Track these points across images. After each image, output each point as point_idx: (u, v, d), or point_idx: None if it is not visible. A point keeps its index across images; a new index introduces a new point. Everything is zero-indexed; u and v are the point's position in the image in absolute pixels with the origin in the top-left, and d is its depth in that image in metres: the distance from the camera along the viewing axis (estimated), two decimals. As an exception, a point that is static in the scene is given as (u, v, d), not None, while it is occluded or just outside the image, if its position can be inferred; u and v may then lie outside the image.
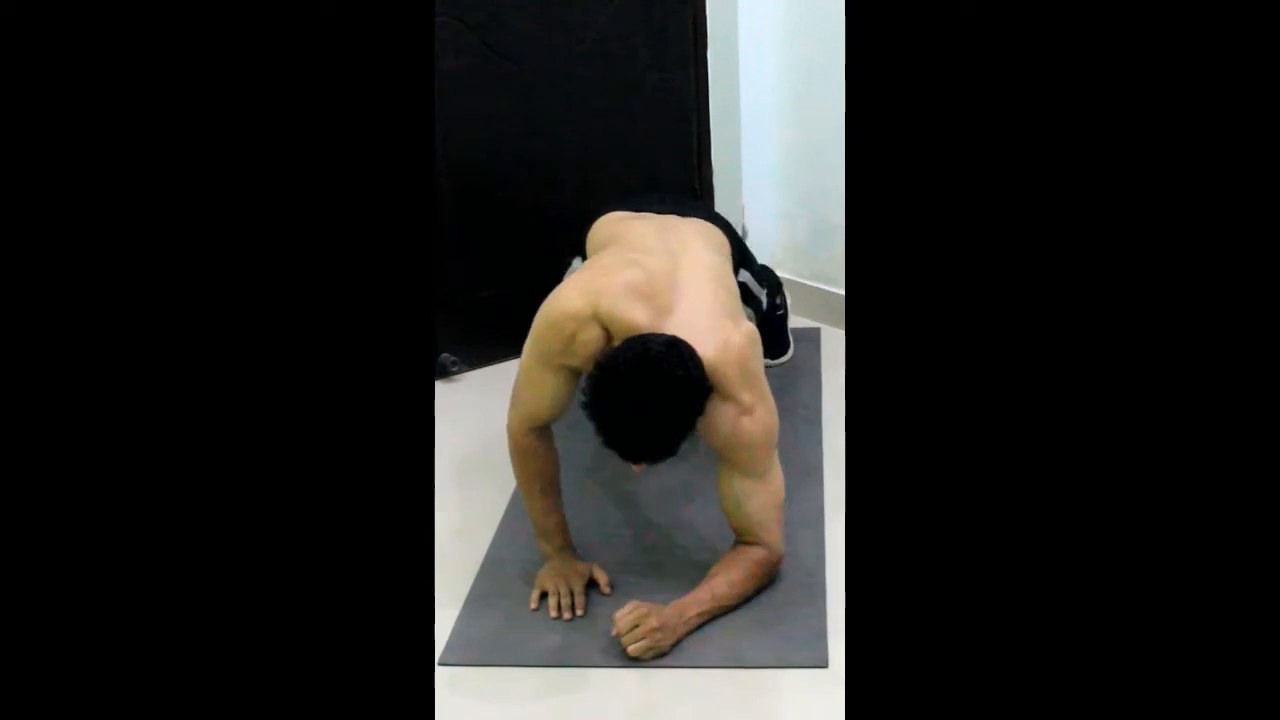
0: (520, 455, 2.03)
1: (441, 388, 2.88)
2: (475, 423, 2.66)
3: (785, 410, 2.63)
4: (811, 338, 3.00)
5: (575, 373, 1.91)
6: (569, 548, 2.07)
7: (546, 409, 1.97)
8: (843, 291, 2.92)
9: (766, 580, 1.99)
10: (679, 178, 3.13)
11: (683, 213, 2.30)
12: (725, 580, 1.94)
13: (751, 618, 1.95)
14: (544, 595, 2.01)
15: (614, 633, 1.85)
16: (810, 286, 3.10)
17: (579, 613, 1.97)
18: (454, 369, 2.93)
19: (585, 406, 1.75)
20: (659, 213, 2.28)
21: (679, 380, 1.72)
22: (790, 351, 2.90)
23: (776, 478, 1.96)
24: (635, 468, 1.89)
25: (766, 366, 2.83)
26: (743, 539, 1.98)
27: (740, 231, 3.16)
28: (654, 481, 2.39)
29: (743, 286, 2.43)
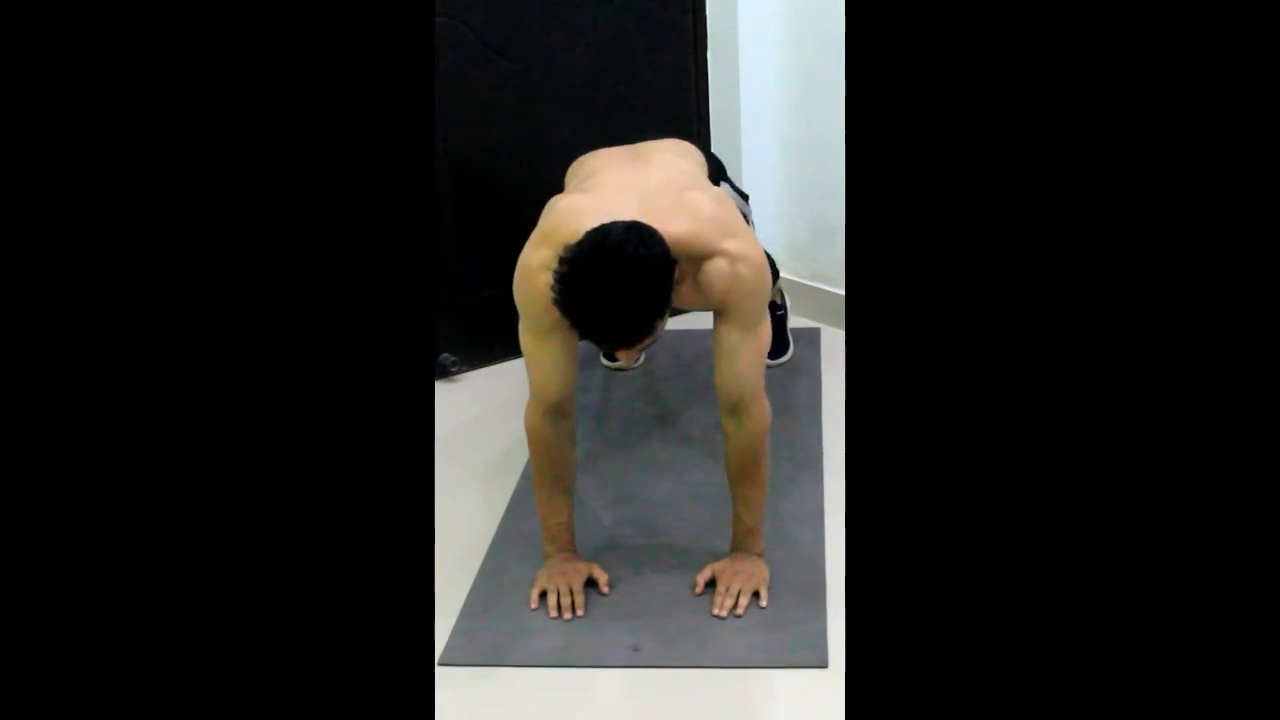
0: (535, 444, 2.03)
1: (441, 388, 2.88)
2: (475, 423, 2.66)
3: (785, 410, 2.64)
4: (811, 338, 3.00)
5: (570, 330, 1.91)
6: (571, 548, 2.07)
7: (554, 383, 1.97)
8: (843, 291, 2.92)
9: (765, 457, 2.02)
10: (679, 178, 3.13)
11: (654, 138, 2.34)
12: (744, 506, 2.02)
13: (752, 618, 1.95)
14: (543, 595, 2.02)
15: (715, 612, 1.96)
16: (810, 286, 3.10)
17: (579, 613, 1.98)
18: (454, 369, 2.93)
19: (556, 303, 1.76)
20: (629, 143, 2.32)
21: (640, 258, 1.73)
22: (790, 351, 2.90)
23: (766, 328, 1.98)
24: (624, 358, 1.91)
25: (766, 367, 2.84)
26: (729, 409, 1.97)
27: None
28: (656, 482, 2.40)
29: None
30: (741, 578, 2.01)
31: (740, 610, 1.96)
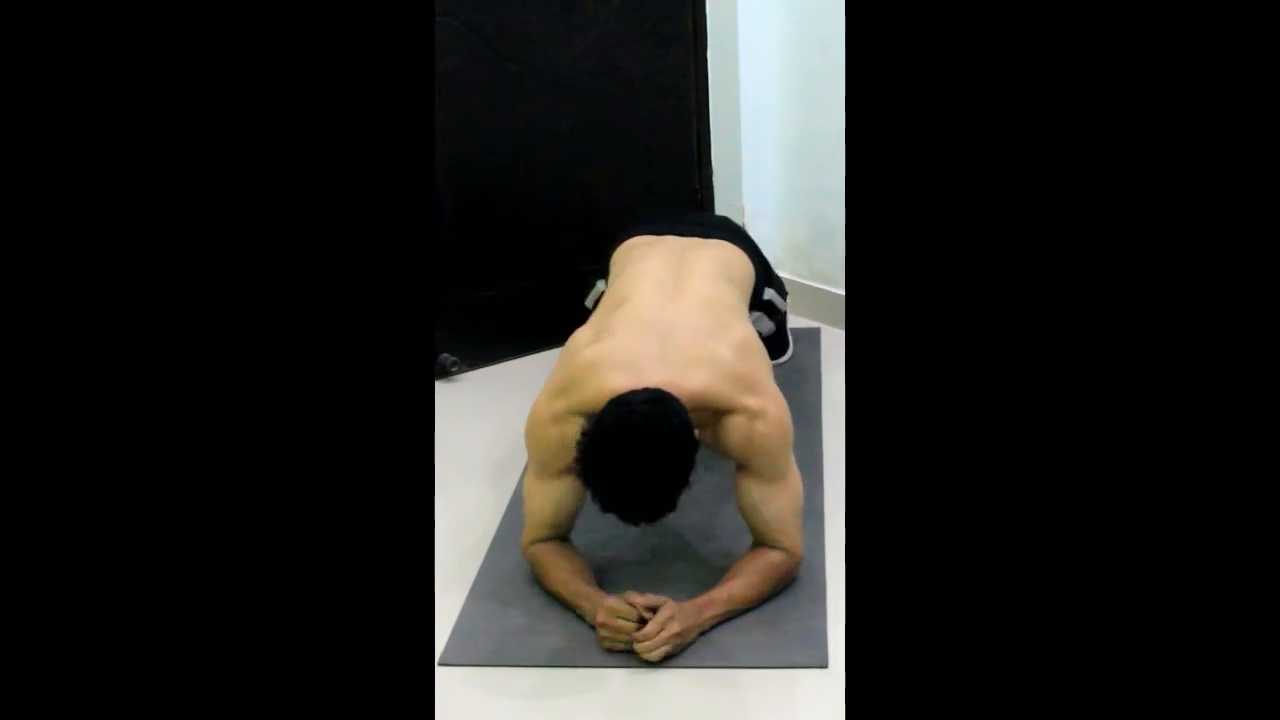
0: (537, 563, 2.03)
1: (441, 388, 2.88)
2: (475, 423, 2.66)
3: (785, 410, 2.65)
4: (811, 338, 3.00)
5: (579, 476, 1.85)
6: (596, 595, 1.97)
7: (555, 522, 1.99)
8: (843, 291, 2.91)
9: (784, 583, 1.99)
10: (679, 178, 3.13)
11: (706, 235, 2.31)
12: (744, 583, 1.94)
13: (752, 618, 1.95)
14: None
15: (636, 635, 1.83)
16: (810, 286, 3.10)
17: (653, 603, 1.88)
18: (454, 369, 2.93)
19: (578, 476, 1.76)
20: (682, 234, 2.29)
21: (665, 438, 1.73)
22: (790, 351, 2.90)
23: (794, 478, 1.96)
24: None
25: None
26: (761, 542, 1.98)
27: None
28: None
29: (768, 304, 2.44)
30: (676, 623, 1.84)
31: (647, 654, 1.83)
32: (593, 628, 1.91)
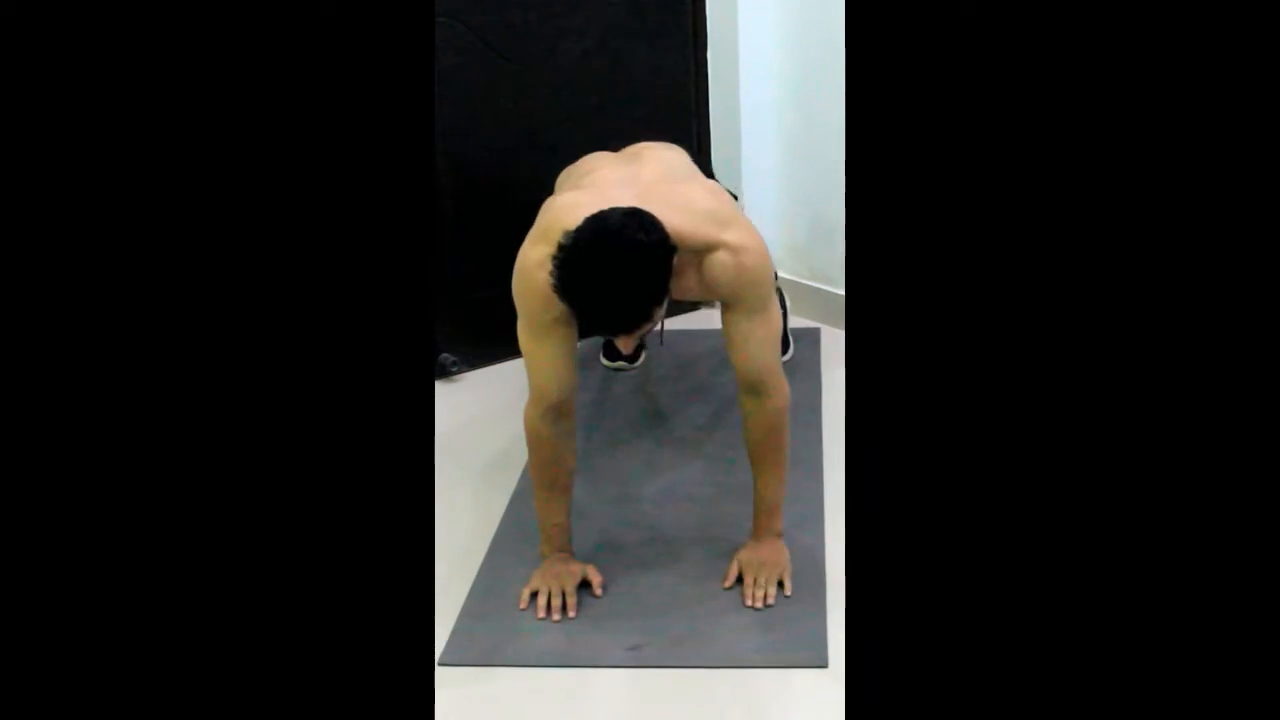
0: (534, 444, 2.04)
1: (441, 388, 2.88)
2: (475, 423, 2.66)
3: (785, 410, 2.65)
4: (811, 338, 3.00)
5: (569, 327, 1.91)
6: (567, 549, 2.07)
7: (554, 382, 1.97)
8: (843, 291, 2.91)
9: (787, 435, 2.03)
10: (679, 178, 3.13)
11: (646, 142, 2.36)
12: (769, 481, 2.03)
13: (752, 618, 1.95)
14: (534, 595, 2.02)
15: (748, 602, 1.97)
16: (810, 286, 3.10)
17: (570, 614, 1.98)
18: (454, 369, 2.93)
19: (554, 288, 1.75)
20: (615, 149, 2.33)
21: (640, 243, 1.73)
22: (790, 351, 2.90)
23: (775, 309, 1.99)
24: (622, 346, 1.90)
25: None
26: (749, 389, 1.99)
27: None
28: (654, 481, 2.40)
29: None
30: (767, 568, 2.03)
31: (771, 600, 1.99)
32: (586, 629, 1.92)
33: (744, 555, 2.06)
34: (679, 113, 3.07)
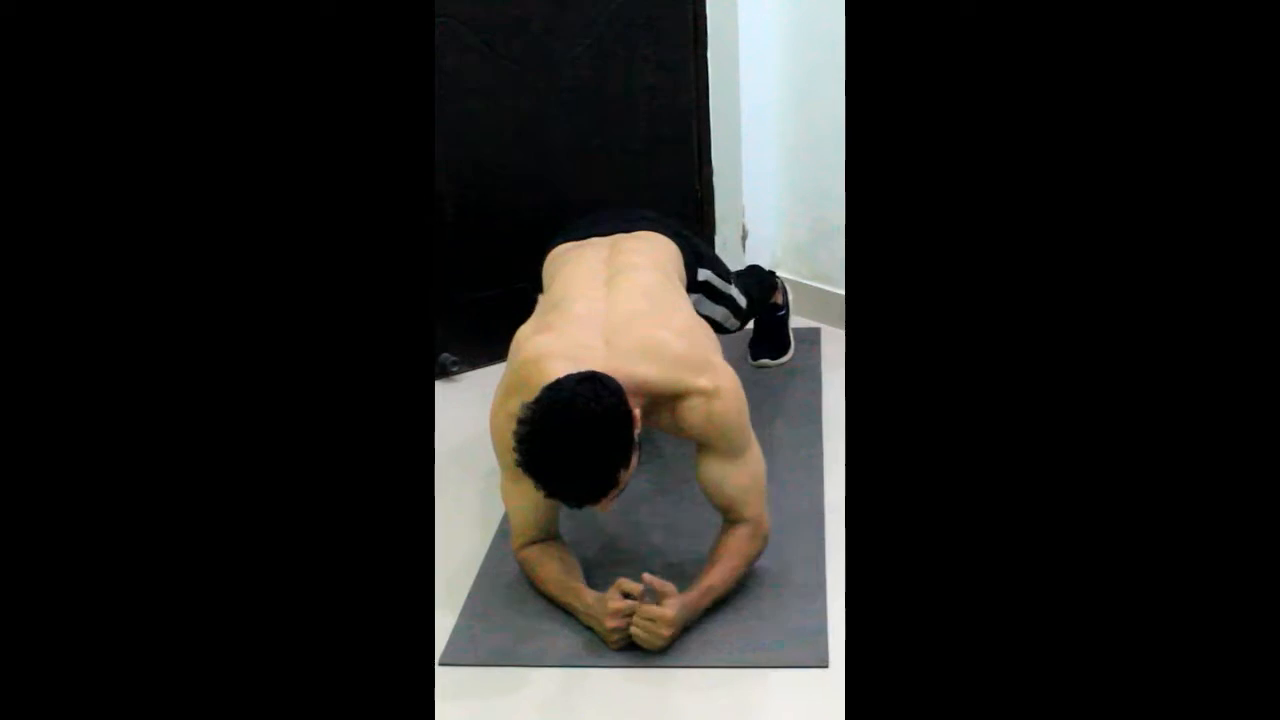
0: (528, 565, 2.04)
1: (441, 388, 2.88)
2: (475, 423, 2.65)
3: (785, 410, 2.64)
4: (811, 338, 3.00)
5: (518, 465, 1.86)
6: (587, 594, 1.98)
7: (532, 525, 2.01)
8: (843, 291, 2.91)
9: (758, 555, 2.00)
10: (679, 178, 3.13)
11: (628, 228, 2.30)
12: (720, 571, 1.95)
13: (752, 618, 1.95)
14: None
15: (629, 602, 1.86)
16: (810, 286, 3.10)
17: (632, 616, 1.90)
18: (454, 369, 2.93)
19: (518, 464, 1.75)
20: (605, 233, 2.29)
21: (592, 414, 1.72)
22: (790, 351, 2.90)
23: (754, 452, 1.96)
24: (600, 509, 1.84)
25: (766, 367, 2.84)
26: (726, 517, 1.98)
27: (740, 231, 3.17)
28: (653, 481, 2.39)
29: (705, 285, 2.41)
30: (657, 615, 1.86)
31: (634, 620, 1.86)
32: (588, 628, 1.92)
33: (673, 600, 1.88)
34: (679, 113, 3.07)
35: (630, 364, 1.83)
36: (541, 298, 2.24)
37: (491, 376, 2.93)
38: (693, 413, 1.87)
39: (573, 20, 2.87)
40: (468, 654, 1.92)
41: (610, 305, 2.00)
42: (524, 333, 2.01)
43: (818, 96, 2.93)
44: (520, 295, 2.98)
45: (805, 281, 3.11)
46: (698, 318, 2.05)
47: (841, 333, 2.91)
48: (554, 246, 2.34)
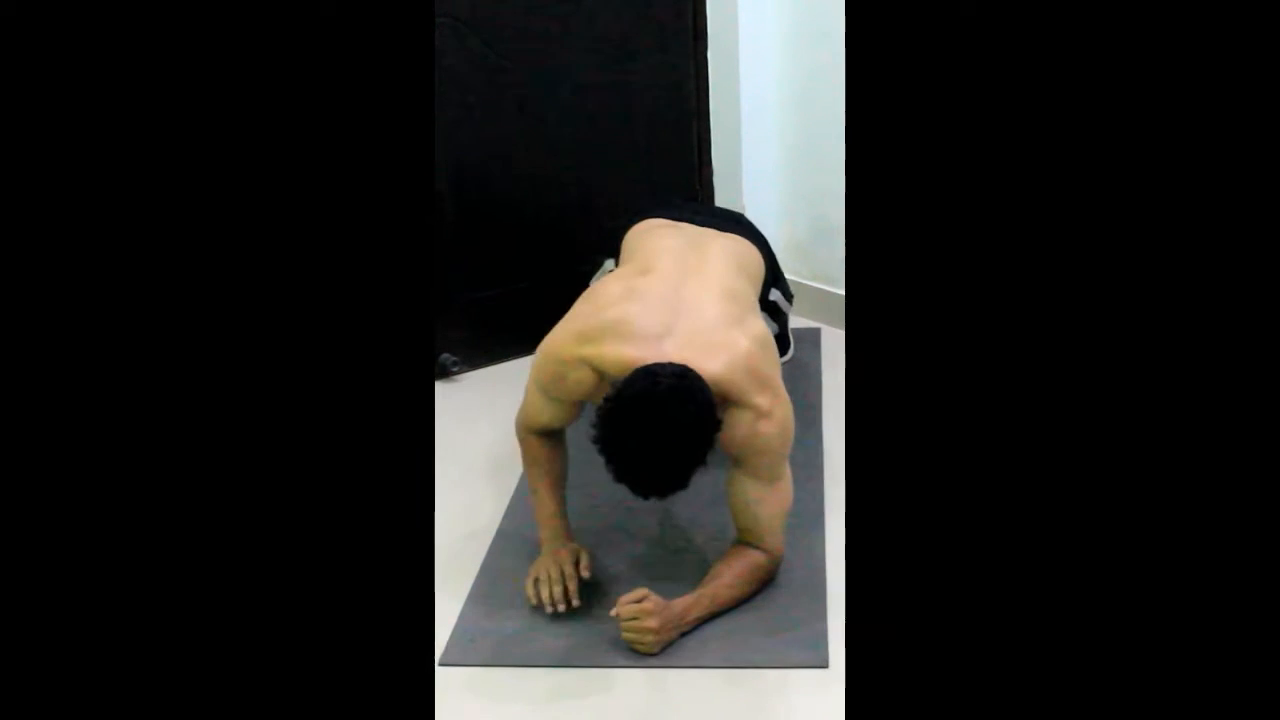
0: (524, 447, 2.09)
1: (441, 388, 2.88)
2: (475, 423, 2.66)
3: (785, 410, 2.64)
4: (811, 338, 3.00)
5: (577, 408, 1.98)
6: (564, 538, 2.03)
7: (546, 425, 2.05)
8: (843, 291, 2.91)
9: (765, 583, 2.00)
10: (679, 178, 3.13)
11: (722, 228, 2.30)
12: (725, 583, 1.95)
13: (753, 618, 1.95)
14: (536, 583, 1.98)
15: (612, 613, 1.86)
16: (810, 286, 3.10)
17: (574, 603, 1.95)
18: (454, 369, 2.93)
19: (595, 441, 1.74)
20: (698, 224, 2.28)
21: (689, 414, 1.72)
22: (790, 351, 2.90)
23: (787, 484, 1.96)
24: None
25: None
26: (744, 540, 1.98)
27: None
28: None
29: (773, 305, 2.44)
30: (657, 620, 1.85)
31: (623, 624, 1.87)
32: (587, 629, 1.93)
33: (661, 604, 1.88)
34: (679, 113, 3.07)
35: (703, 357, 1.81)
36: (624, 262, 2.22)
37: (492, 376, 2.94)
38: (739, 425, 1.85)
39: (573, 20, 2.87)
40: (468, 654, 1.92)
41: (696, 295, 1.98)
42: (612, 291, 1.99)
43: (818, 96, 2.93)
44: (520, 295, 2.99)
45: (805, 281, 3.11)
46: (770, 336, 2.03)
47: (841, 333, 2.91)
48: (641, 219, 2.32)
